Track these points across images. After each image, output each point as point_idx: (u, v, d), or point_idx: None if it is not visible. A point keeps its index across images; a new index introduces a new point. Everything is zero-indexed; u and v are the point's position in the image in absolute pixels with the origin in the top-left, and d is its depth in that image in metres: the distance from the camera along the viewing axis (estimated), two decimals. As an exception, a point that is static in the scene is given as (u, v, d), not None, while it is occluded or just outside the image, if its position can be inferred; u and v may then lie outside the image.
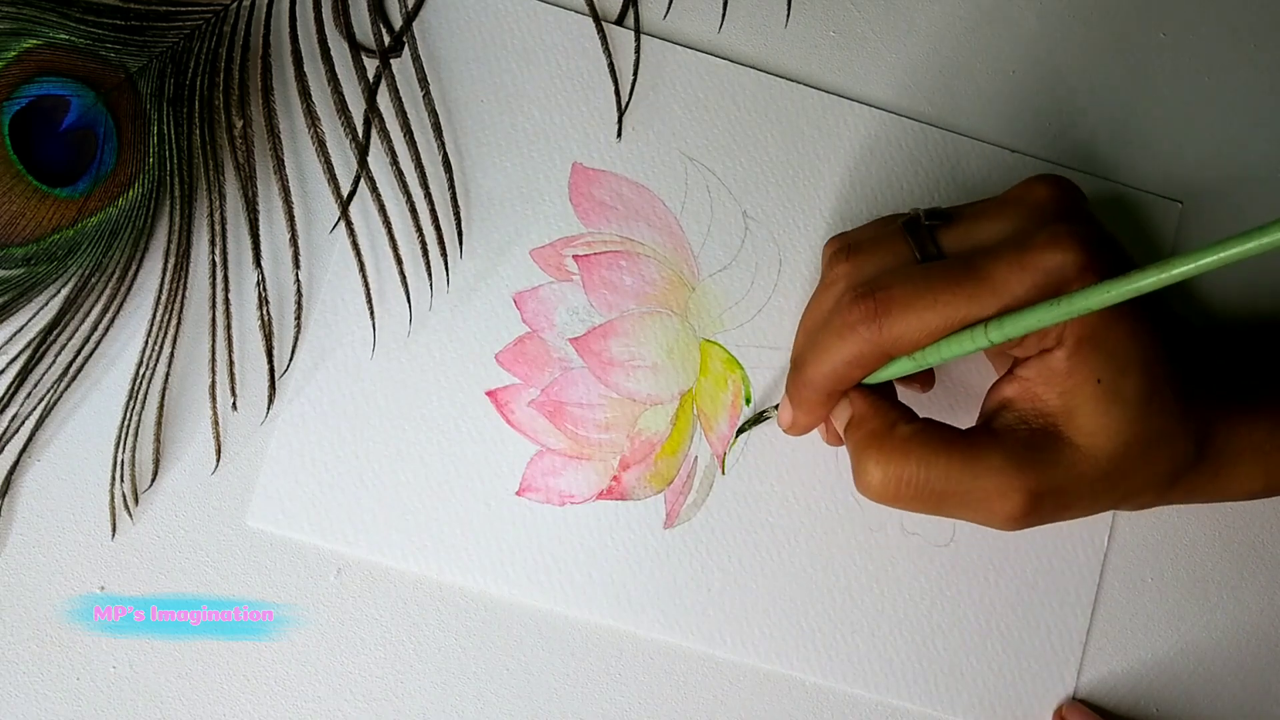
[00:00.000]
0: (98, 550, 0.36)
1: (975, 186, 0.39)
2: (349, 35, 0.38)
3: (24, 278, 0.36)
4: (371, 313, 0.37)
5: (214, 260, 0.37)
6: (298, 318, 0.37)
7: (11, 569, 0.36)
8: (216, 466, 0.36)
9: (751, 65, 0.39)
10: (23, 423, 0.36)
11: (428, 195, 0.37)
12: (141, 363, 0.36)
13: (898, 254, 0.32)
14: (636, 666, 0.37)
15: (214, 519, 0.36)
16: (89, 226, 0.36)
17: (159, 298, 0.36)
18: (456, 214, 0.37)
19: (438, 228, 0.37)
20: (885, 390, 0.33)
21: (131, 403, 0.36)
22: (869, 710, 0.37)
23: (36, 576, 0.36)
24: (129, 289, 0.36)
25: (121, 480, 0.36)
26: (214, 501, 0.36)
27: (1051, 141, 0.39)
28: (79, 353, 0.36)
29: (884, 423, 0.31)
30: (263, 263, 0.37)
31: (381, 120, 0.37)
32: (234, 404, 0.36)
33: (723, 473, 0.37)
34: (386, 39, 0.38)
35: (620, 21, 0.39)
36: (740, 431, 0.37)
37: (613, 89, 0.38)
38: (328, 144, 0.37)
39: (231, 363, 0.36)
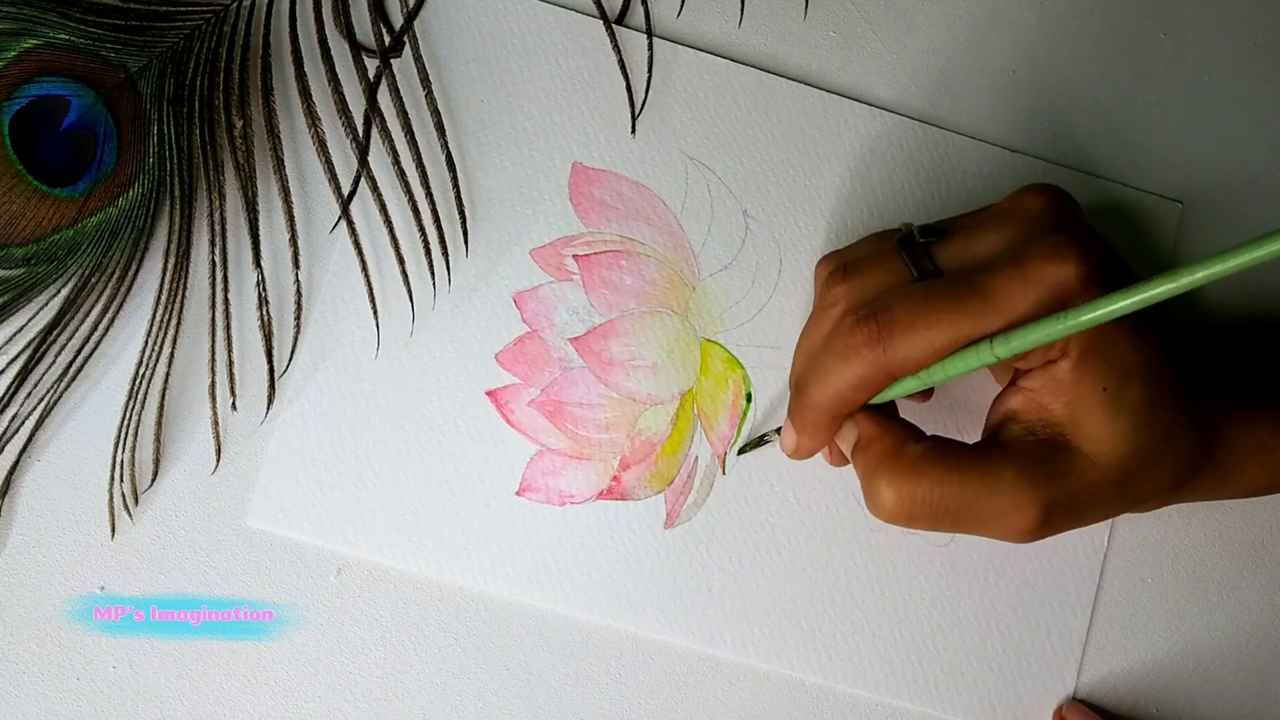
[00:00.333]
0: (98, 550, 0.36)
1: (975, 186, 0.39)
2: (349, 35, 0.38)
3: (24, 278, 0.36)
4: (375, 312, 0.37)
5: (214, 260, 0.37)
6: (297, 318, 0.37)
7: (11, 569, 0.36)
8: (216, 466, 0.36)
9: (752, 64, 0.39)
10: (23, 423, 0.36)
11: (429, 195, 0.37)
12: (141, 363, 0.36)
13: (895, 272, 0.31)
14: (636, 666, 0.37)
15: (214, 519, 0.36)
16: (89, 226, 0.36)
17: (159, 298, 0.36)
18: (461, 213, 0.37)
19: (439, 227, 0.37)
20: (888, 409, 0.33)
21: (131, 403, 0.36)
22: (869, 710, 0.37)
23: (36, 576, 0.36)
24: (129, 289, 0.36)
25: (121, 480, 0.36)
26: (214, 501, 0.36)
27: (1051, 142, 0.39)
28: (79, 353, 0.36)
29: (893, 443, 0.31)
30: (263, 263, 0.37)
31: (382, 120, 0.37)
32: (234, 404, 0.36)
33: (723, 473, 0.37)
34: (387, 39, 0.38)
35: (621, 21, 0.39)
36: (741, 453, 0.37)
37: (613, 89, 0.38)
38: (328, 144, 0.37)
39: (231, 363, 0.36)
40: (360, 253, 0.37)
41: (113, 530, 0.36)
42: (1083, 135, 0.39)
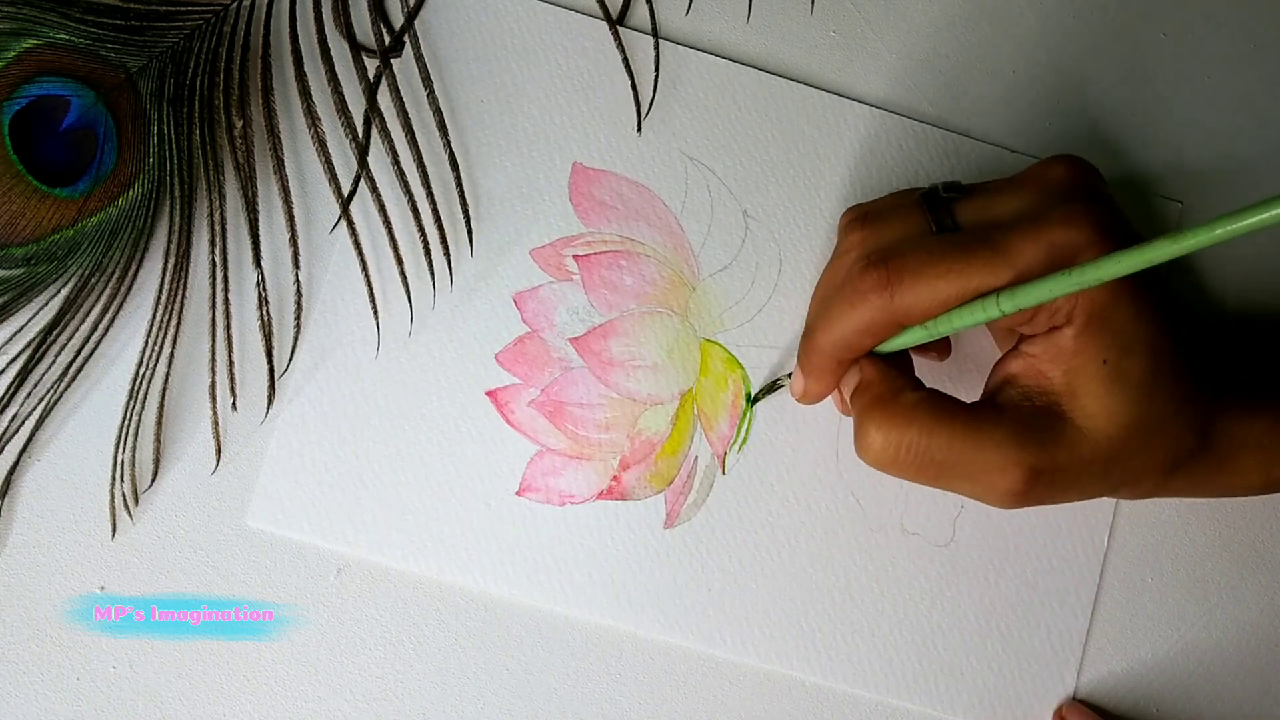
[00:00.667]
0: (98, 550, 0.36)
1: (975, 186, 0.39)
2: (349, 35, 0.38)
3: (24, 278, 0.36)
4: (375, 312, 0.37)
5: (214, 260, 0.37)
6: (297, 318, 0.37)
7: (11, 569, 0.36)
8: (216, 466, 0.36)
9: (752, 64, 0.39)
10: (23, 423, 0.36)
11: (429, 195, 0.37)
12: (141, 363, 0.36)
13: (913, 224, 0.32)
14: (636, 666, 0.37)
15: (214, 519, 0.36)
16: (89, 226, 0.36)
17: (159, 298, 0.36)
18: (466, 213, 0.37)
19: (439, 227, 0.37)
20: (899, 360, 0.33)
21: (131, 403, 0.36)
22: (869, 710, 0.37)
23: (36, 576, 0.36)
24: (129, 289, 0.36)
25: (121, 480, 0.36)
26: (214, 501, 0.36)
27: (1051, 141, 0.39)
28: (79, 353, 0.36)
29: (889, 389, 0.31)
30: (263, 263, 0.37)
31: (382, 120, 0.37)
32: (234, 404, 0.36)
33: (723, 473, 0.37)
34: (387, 38, 0.38)
35: (621, 20, 0.39)
36: (753, 402, 0.37)
37: (613, 89, 0.38)
38: (328, 144, 0.37)
39: (231, 363, 0.36)
40: (360, 253, 0.37)
41: (113, 530, 0.36)
42: (1082, 135, 0.39)
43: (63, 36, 0.36)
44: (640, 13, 0.39)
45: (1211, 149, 0.40)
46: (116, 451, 0.36)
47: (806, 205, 0.38)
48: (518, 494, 0.37)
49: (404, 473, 0.37)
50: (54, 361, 0.36)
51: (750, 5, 0.39)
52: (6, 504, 0.36)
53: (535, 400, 0.37)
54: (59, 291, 0.36)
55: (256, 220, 0.37)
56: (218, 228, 0.37)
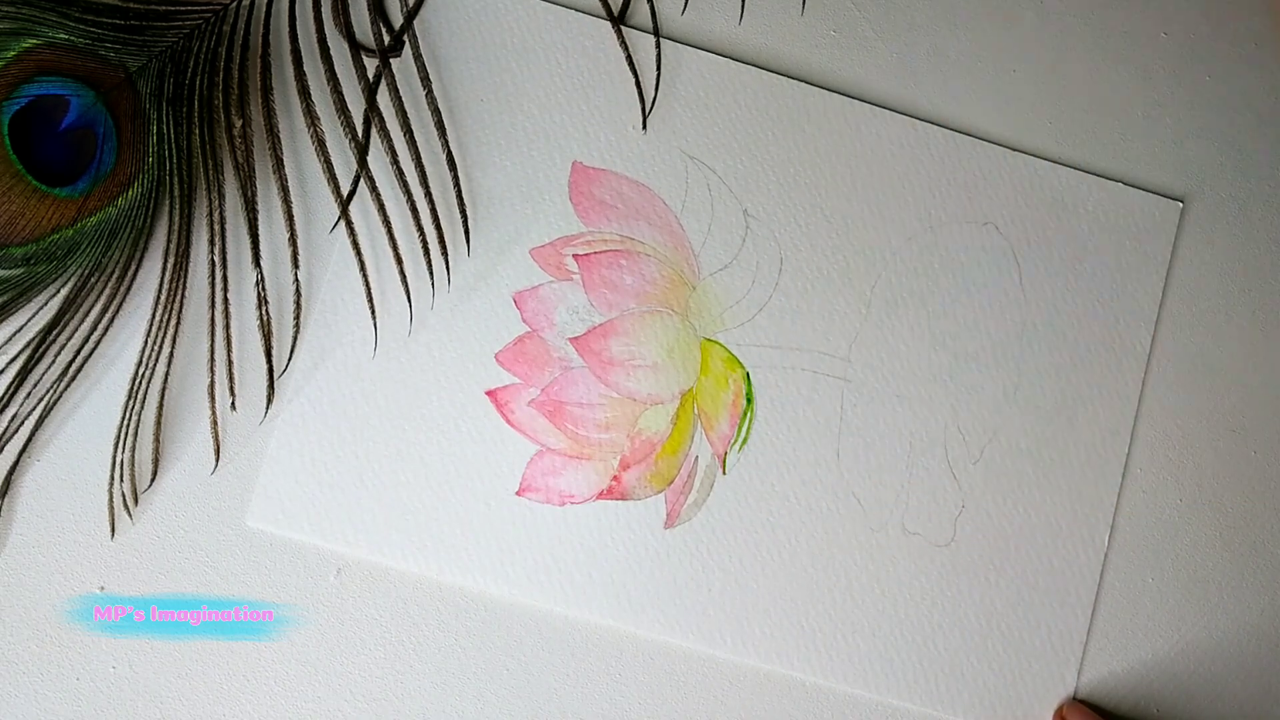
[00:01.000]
0: (98, 550, 0.36)
1: (976, 185, 0.39)
2: (349, 35, 0.37)
3: (24, 277, 0.36)
4: (373, 312, 0.37)
5: (213, 260, 0.36)
6: (297, 318, 0.37)
7: (11, 569, 0.36)
8: (216, 466, 0.36)
9: (752, 63, 0.39)
10: (23, 423, 0.36)
11: (428, 195, 0.37)
12: (141, 363, 0.36)
13: None
14: (636, 666, 0.37)
15: (214, 519, 0.36)
16: (88, 226, 0.36)
17: (159, 298, 0.36)
18: (463, 212, 0.37)
19: (438, 227, 0.37)
20: None
21: (131, 403, 0.36)
22: (869, 710, 0.37)
23: (36, 576, 0.36)
24: (129, 289, 0.36)
25: (121, 480, 0.36)
26: (214, 501, 0.36)
27: (1052, 141, 0.39)
28: (79, 353, 0.36)
29: None
30: (262, 262, 0.37)
31: (381, 120, 0.37)
32: (233, 404, 0.36)
33: (724, 472, 0.37)
34: (386, 38, 0.38)
35: (622, 20, 0.39)
36: None
37: (613, 88, 0.38)
38: (327, 144, 0.37)
39: (231, 363, 0.36)
40: (359, 253, 0.36)
41: (113, 530, 0.36)
42: (1083, 134, 0.39)
43: (62, 36, 0.36)
44: (641, 11, 0.39)
45: (1212, 149, 0.40)
46: (116, 451, 0.36)
47: (807, 204, 0.38)
48: (518, 494, 0.37)
49: (404, 473, 0.37)
50: (54, 361, 0.36)
51: (743, 6, 0.39)
52: (6, 504, 0.36)
53: (535, 400, 0.37)
54: (59, 291, 0.36)
55: (256, 220, 0.37)
56: (217, 227, 0.37)
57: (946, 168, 0.39)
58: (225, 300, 0.36)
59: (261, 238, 0.37)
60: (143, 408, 0.36)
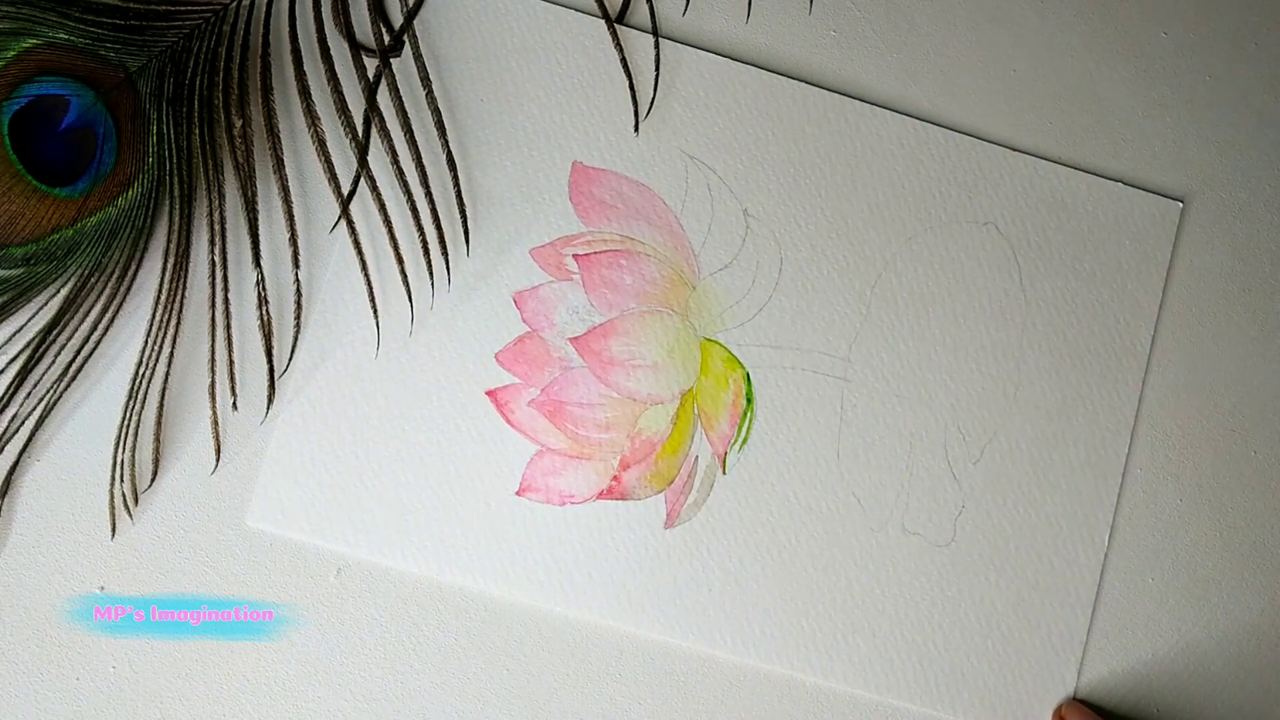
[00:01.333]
0: (98, 550, 0.36)
1: (976, 185, 0.39)
2: (349, 35, 0.37)
3: (24, 277, 0.36)
4: (375, 312, 0.37)
5: (214, 260, 0.36)
6: (297, 318, 0.37)
7: (11, 569, 0.36)
8: (216, 466, 0.36)
9: (752, 63, 0.39)
10: (23, 423, 0.36)
11: (428, 194, 0.37)
12: (141, 363, 0.36)
13: None
14: (636, 666, 0.37)
15: (214, 519, 0.36)
16: (88, 226, 0.36)
17: (159, 298, 0.36)
18: (463, 212, 0.37)
19: (438, 227, 0.37)
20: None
21: (131, 403, 0.36)
22: (869, 710, 0.37)
23: (36, 576, 0.36)
24: (129, 289, 0.36)
25: (121, 480, 0.36)
26: (214, 501, 0.36)
27: (1052, 141, 0.39)
28: (79, 353, 0.36)
29: None
30: (262, 262, 0.37)
31: (382, 119, 0.37)
32: (234, 404, 0.36)
33: (724, 472, 0.37)
34: (386, 38, 0.38)
35: (621, 19, 0.39)
36: None
37: (613, 88, 0.38)
38: (328, 143, 0.37)
39: (231, 363, 0.36)
40: (360, 252, 0.36)
41: (113, 530, 0.36)
42: (1083, 134, 0.39)
43: (62, 36, 0.36)
44: (641, 11, 0.39)
45: (1212, 149, 0.40)
46: (116, 451, 0.36)
47: (807, 204, 0.38)
48: (518, 494, 0.37)
49: (404, 473, 0.37)
50: (54, 361, 0.36)
51: (750, 5, 0.39)
52: (6, 504, 0.36)
53: (535, 400, 0.37)
54: (59, 291, 0.36)
55: (256, 220, 0.37)
56: (217, 227, 0.37)
57: (946, 168, 0.39)
58: (225, 300, 0.36)
59: (262, 237, 0.37)
60: (143, 408, 0.36)
